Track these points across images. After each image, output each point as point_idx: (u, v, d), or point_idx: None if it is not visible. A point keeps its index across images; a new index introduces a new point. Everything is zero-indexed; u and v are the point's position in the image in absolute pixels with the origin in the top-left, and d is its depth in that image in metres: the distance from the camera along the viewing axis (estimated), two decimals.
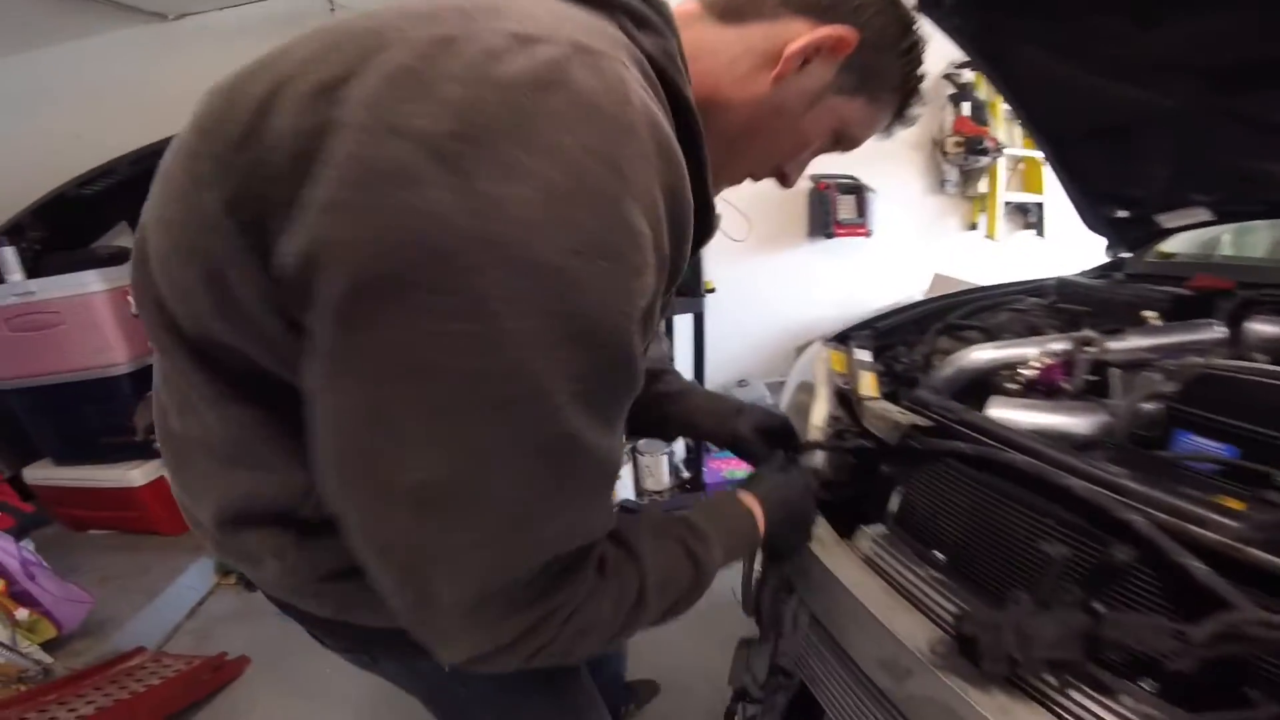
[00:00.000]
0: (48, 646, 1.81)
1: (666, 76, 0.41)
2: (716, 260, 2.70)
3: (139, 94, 2.39)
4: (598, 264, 0.32)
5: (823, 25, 0.50)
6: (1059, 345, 1.11)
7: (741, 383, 3.02)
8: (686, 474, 2.65)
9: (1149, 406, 0.93)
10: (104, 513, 2.47)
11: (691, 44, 0.48)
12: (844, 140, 0.60)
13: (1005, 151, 3.31)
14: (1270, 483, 0.72)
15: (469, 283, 0.30)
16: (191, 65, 2.32)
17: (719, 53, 0.51)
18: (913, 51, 0.56)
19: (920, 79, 0.59)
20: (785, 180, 0.63)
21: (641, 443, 2.60)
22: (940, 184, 3.48)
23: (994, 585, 0.80)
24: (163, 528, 2.46)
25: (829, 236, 3.08)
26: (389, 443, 0.34)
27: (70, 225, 2.38)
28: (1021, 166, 3.57)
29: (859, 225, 3.11)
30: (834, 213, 3.05)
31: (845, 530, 0.95)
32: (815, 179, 3.06)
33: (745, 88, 0.51)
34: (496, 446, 0.34)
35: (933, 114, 3.34)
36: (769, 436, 0.95)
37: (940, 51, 3.44)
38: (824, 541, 0.93)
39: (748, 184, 2.44)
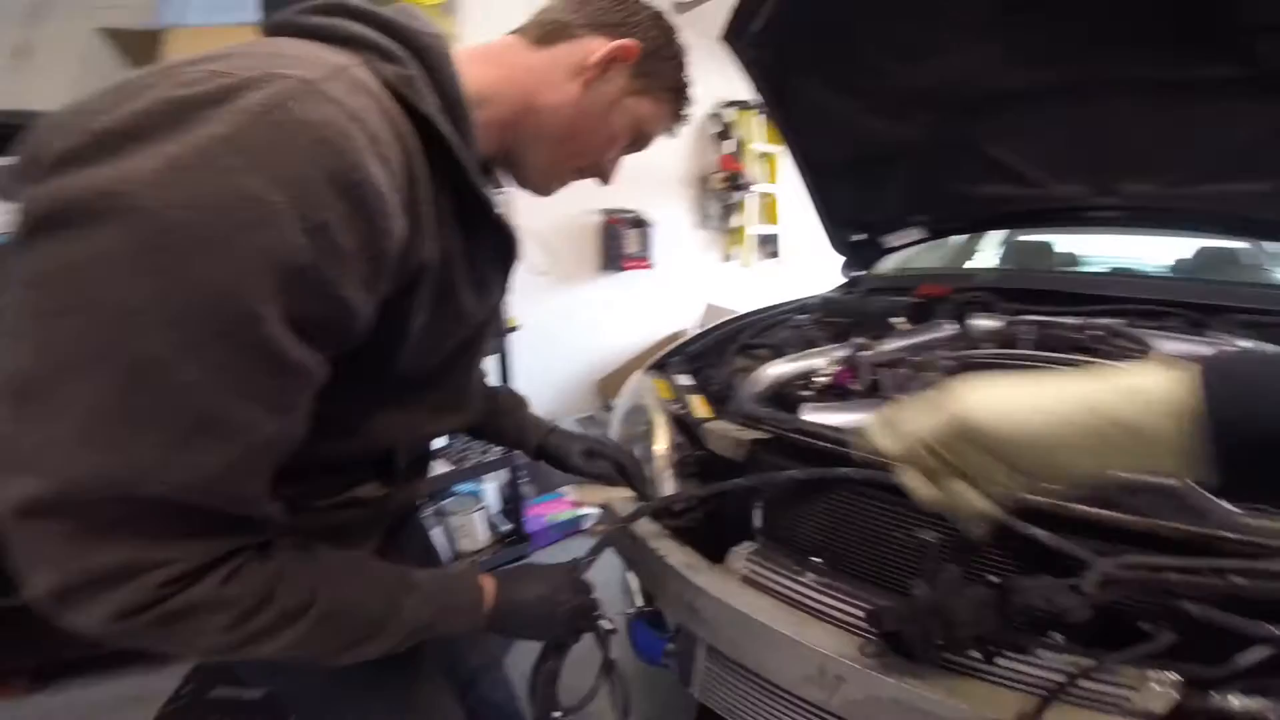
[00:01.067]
0: None
1: (402, 98, 0.51)
2: (520, 296, 2.60)
3: None
4: (200, 216, 0.39)
5: (615, 39, 0.64)
6: (841, 353, 1.27)
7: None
8: (507, 525, 2.50)
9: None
10: None
11: (511, 67, 0.64)
12: (640, 138, 0.73)
13: (753, 187, 3.80)
14: None
15: (90, 219, 0.39)
16: None
17: (535, 69, 0.64)
18: (678, 56, 0.71)
19: (687, 80, 0.73)
20: (605, 178, 0.75)
21: (447, 502, 2.39)
22: (704, 218, 3.87)
23: (876, 579, 0.85)
24: None
25: (619, 270, 3.22)
26: (4, 338, 0.41)
27: None
28: (764, 201, 4.14)
29: (643, 258, 3.30)
30: (623, 246, 3.20)
31: (716, 555, 0.96)
32: (606, 213, 3.18)
33: (561, 93, 0.64)
34: (77, 349, 0.39)
35: (700, 151, 3.72)
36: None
37: (707, 91, 3.81)
38: (699, 570, 0.93)
39: (543, 217, 2.41)
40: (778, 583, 0.89)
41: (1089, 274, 1.94)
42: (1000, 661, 0.69)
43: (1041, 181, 1.52)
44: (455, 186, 0.56)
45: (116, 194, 0.38)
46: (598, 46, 0.64)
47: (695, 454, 1.03)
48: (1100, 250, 2.53)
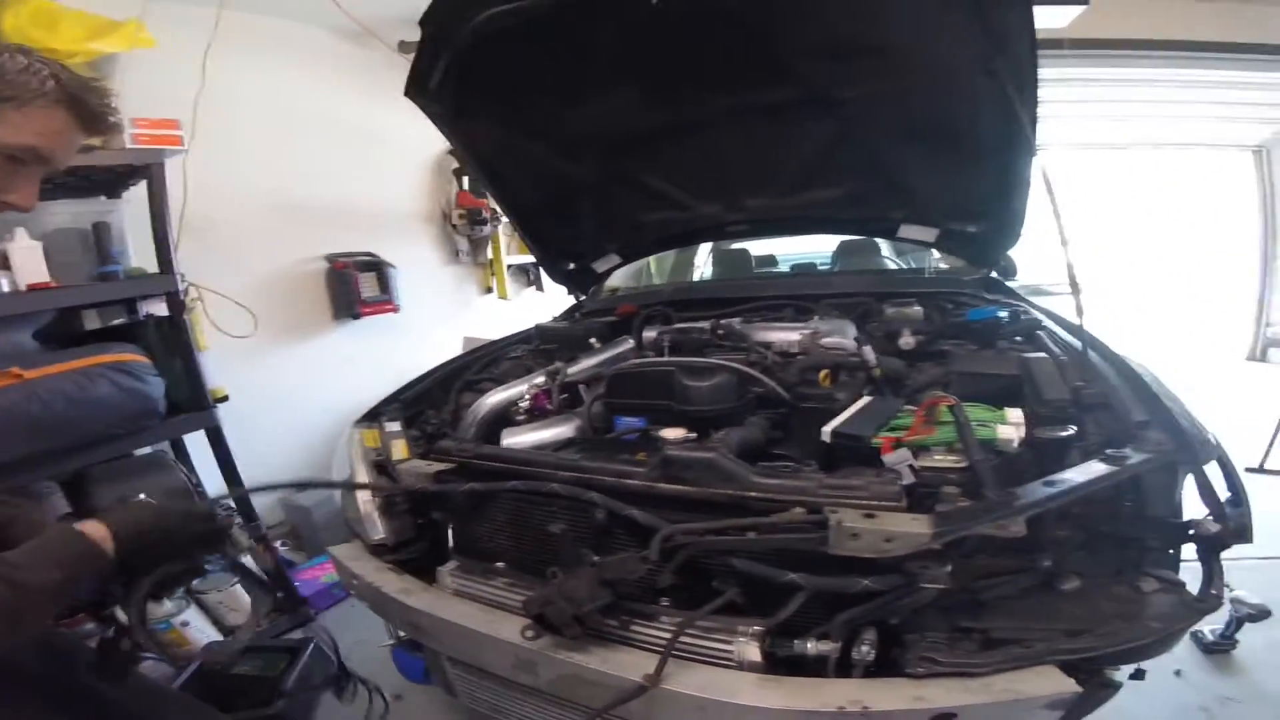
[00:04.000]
0: None
1: None
2: (222, 364, 2.36)
3: None
4: None
5: None
6: (539, 379, 1.43)
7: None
8: (277, 595, 2.25)
9: (595, 407, 1.30)
10: None
11: None
12: (26, 154, 0.67)
13: (502, 220, 3.88)
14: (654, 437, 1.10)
15: None
16: None
17: None
18: (20, 67, 0.64)
19: (54, 82, 0.66)
20: (14, 207, 0.70)
21: (194, 583, 2.08)
22: (455, 254, 3.87)
23: (540, 571, 0.94)
24: None
25: (356, 317, 3.04)
26: None
27: None
28: (517, 233, 4.23)
29: (386, 302, 3.14)
30: (357, 292, 3.02)
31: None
32: (331, 258, 2.97)
33: None
34: None
35: (440, 189, 3.68)
36: None
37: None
38: (412, 592, 1.02)
39: (248, 276, 2.26)
40: (477, 589, 1.01)
41: (734, 280, 2.34)
42: (635, 628, 0.84)
43: (690, 205, 1.83)
44: None
45: None
46: None
47: (400, 493, 1.10)
48: (788, 249, 3.09)
